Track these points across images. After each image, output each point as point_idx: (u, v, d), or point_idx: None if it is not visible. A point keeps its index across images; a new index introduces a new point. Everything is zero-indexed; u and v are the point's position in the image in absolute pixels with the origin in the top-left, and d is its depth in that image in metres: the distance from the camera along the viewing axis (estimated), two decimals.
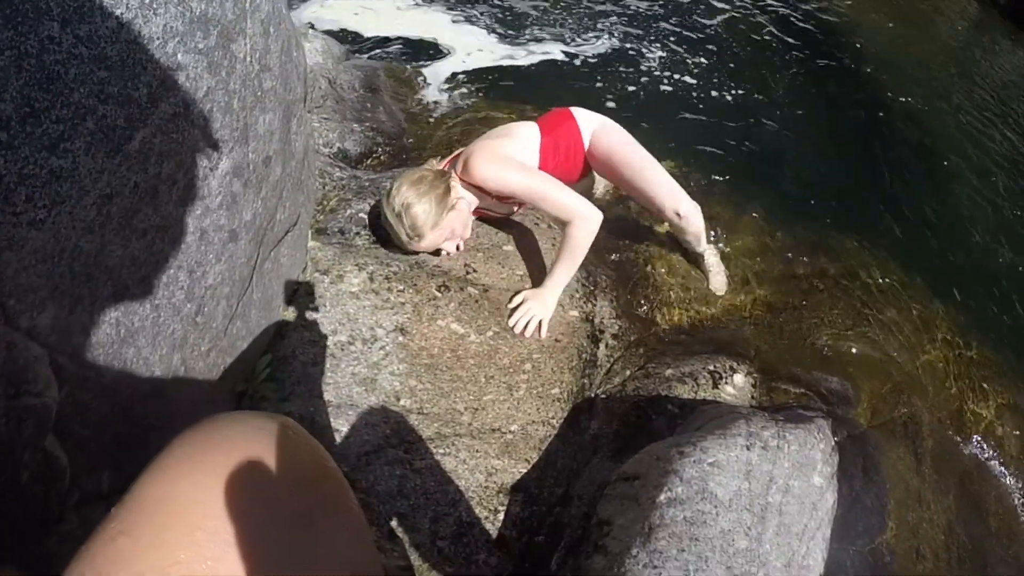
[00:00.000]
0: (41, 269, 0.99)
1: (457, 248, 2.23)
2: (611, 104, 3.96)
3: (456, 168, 2.19)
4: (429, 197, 2.02)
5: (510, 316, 2.15)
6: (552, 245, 2.44)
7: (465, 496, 1.73)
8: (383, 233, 2.28)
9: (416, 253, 2.22)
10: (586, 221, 2.07)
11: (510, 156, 2.16)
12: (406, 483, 1.69)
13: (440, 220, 2.04)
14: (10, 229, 0.93)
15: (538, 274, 2.33)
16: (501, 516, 1.74)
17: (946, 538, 2.21)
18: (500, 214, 2.42)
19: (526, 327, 2.12)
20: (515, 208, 2.41)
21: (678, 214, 2.44)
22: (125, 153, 1.06)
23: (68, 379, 1.11)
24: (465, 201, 2.16)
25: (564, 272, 2.15)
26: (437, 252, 2.25)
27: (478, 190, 2.17)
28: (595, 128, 2.45)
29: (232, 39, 1.29)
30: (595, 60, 4.44)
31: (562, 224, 2.11)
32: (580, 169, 2.49)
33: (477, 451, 1.81)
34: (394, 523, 1.64)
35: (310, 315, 1.97)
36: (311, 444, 0.59)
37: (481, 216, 2.41)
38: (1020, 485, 2.45)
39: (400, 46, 4.28)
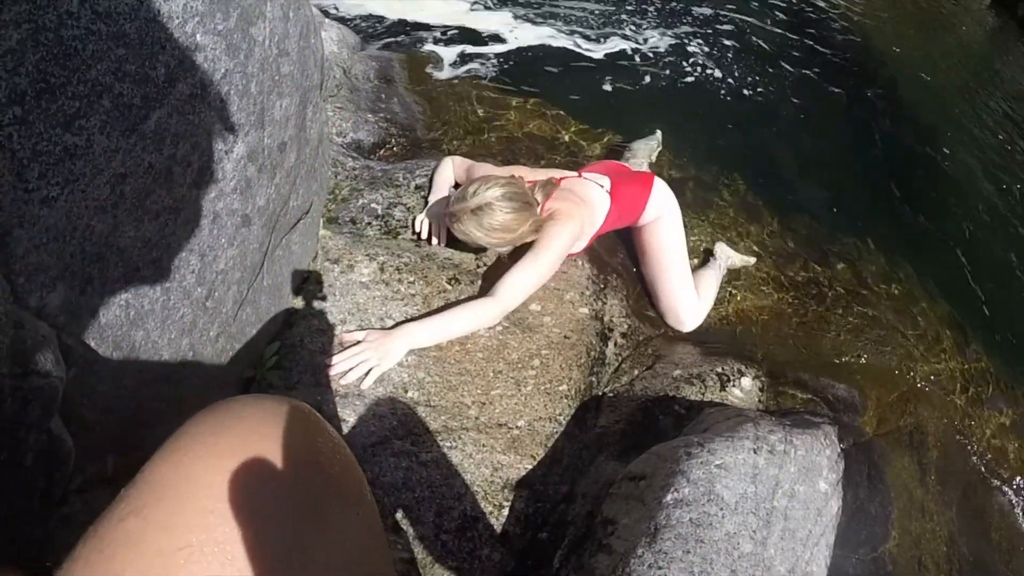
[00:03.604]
0: (52, 248, 0.98)
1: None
2: (630, 100, 3.96)
3: (540, 203, 2.12)
4: (517, 218, 1.99)
5: (340, 351, 1.84)
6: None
7: (470, 490, 1.72)
8: (395, 223, 2.27)
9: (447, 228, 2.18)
10: (493, 316, 1.97)
11: (582, 226, 2.15)
12: (412, 475, 1.68)
13: (492, 233, 1.97)
14: (22, 206, 0.91)
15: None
16: (505, 512, 1.73)
17: (948, 550, 2.21)
18: None
19: (350, 371, 1.80)
20: None
21: (666, 322, 2.60)
22: (140, 133, 1.05)
23: (76, 361, 1.10)
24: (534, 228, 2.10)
25: (433, 331, 1.91)
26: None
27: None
28: (658, 215, 2.49)
29: (252, 22, 1.28)
30: (620, 53, 4.44)
31: (488, 291, 2.01)
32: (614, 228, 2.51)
33: (483, 445, 1.80)
34: (399, 515, 1.63)
35: (319, 304, 1.96)
36: (327, 430, 0.58)
37: None
38: (1022, 500, 2.44)
39: (419, 34, 4.26)
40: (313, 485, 0.53)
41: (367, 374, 1.81)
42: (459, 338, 1.98)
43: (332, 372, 1.79)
